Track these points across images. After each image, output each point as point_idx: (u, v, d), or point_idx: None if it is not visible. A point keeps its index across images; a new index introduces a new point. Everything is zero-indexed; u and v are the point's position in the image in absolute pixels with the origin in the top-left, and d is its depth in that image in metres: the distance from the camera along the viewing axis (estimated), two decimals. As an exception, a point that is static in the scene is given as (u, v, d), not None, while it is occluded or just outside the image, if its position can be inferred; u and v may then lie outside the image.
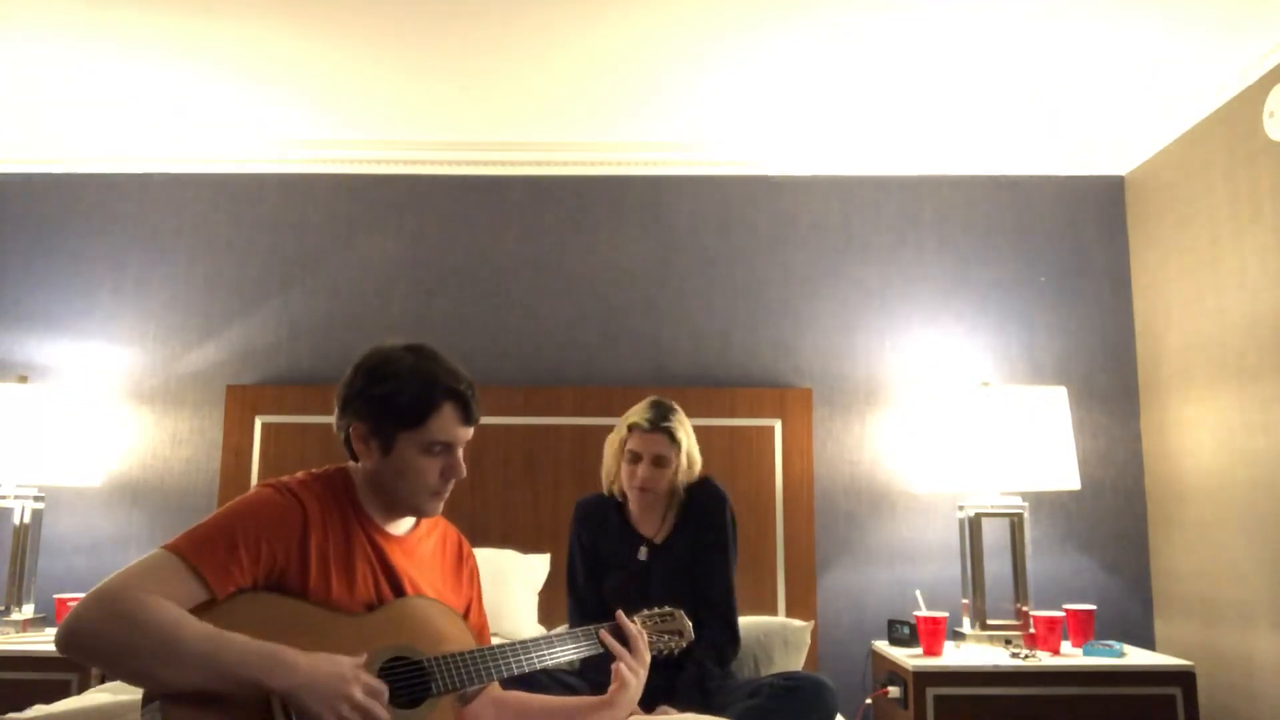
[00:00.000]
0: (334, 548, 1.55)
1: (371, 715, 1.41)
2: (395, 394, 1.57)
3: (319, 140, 3.47)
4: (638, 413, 2.43)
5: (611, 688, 1.71)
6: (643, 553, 2.46)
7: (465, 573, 1.78)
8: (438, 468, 1.60)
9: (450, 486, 1.64)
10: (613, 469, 2.50)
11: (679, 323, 3.46)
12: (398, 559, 1.63)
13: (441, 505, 1.65)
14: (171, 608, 1.36)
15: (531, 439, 3.30)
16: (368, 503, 1.63)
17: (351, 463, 1.66)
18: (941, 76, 2.96)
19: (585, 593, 2.48)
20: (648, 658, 1.76)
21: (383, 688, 1.45)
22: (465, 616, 1.73)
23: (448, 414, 1.59)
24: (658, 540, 2.47)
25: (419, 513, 1.65)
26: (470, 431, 1.64)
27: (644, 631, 1.80)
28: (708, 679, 2.30)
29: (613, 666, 1.72)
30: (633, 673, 1.71)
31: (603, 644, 1.74)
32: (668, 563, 2.44)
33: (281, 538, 1.50)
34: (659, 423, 2.39)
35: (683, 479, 2.44)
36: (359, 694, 1.40)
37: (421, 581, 1.65)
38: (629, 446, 2.42)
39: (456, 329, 3.44)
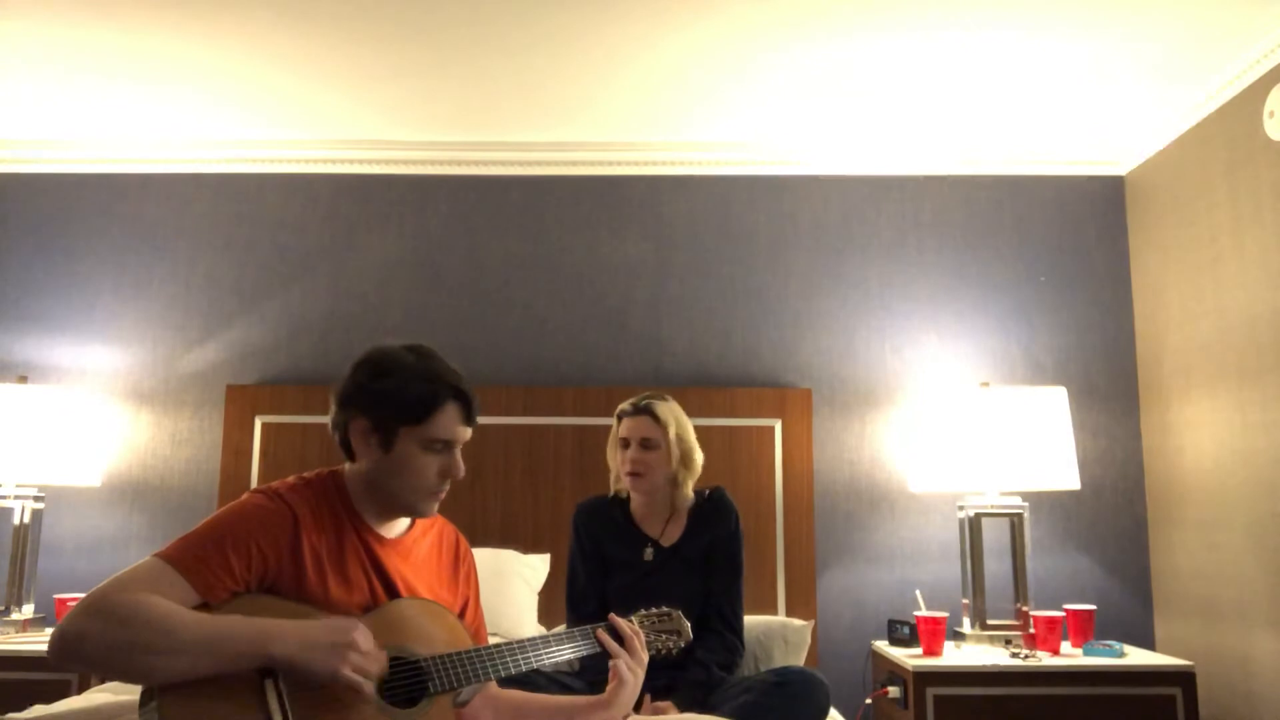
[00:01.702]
0: (327, 551, 1.55)
1: (368, 669, 1.43)
2: (400, 389, 1.57)
3: (319, 140, 3.48)
4: (625, 402, 2.49)
5: (609, 687, 1.71)
6: (649, 553, 2.46)
7: (462, 571, 1.78)
8: (436, 466, 1.60)
9: (447, 487, 1.64)
10: (611, 459, 2.52)
11: (679, 323, 3.46)
12: (392, 562, 1.62)
13: (437, 506, 1.65)
14: (160, 600, 1.37)
15: (531, 439, 3.30)
16: (361, 505, 1.63)
17: (345, 465, 1.66)
18: (941, 77, 2.96)
19: (584, 595, 2.48)
20: (645, 657, 1.76)
21: (380, 654, 1.47)
22: (462, 615, 1.73)
23: (450, 411, 1.60)
24: (665, 543, 2.47)
25: (414, 512, 1.65)
26: (469, 432, 1.64)
27: (641, 631, 1.80)
28: (712, 681, 2.30)
29: (610, 665, 1.73)
30: (631, 671, 1.71)
31: (599, 643, 1.74)
32: (676, 566, 2.44)
33: (273, 542, 1.50)
34: (638, 403, 2.45)
35: (680, 471, 2.45)
36: (361, 646, 1.42)
37: (417, 583, 1.65)
38: (619, 435, 2.46)
39: (456, 329, 3.44)
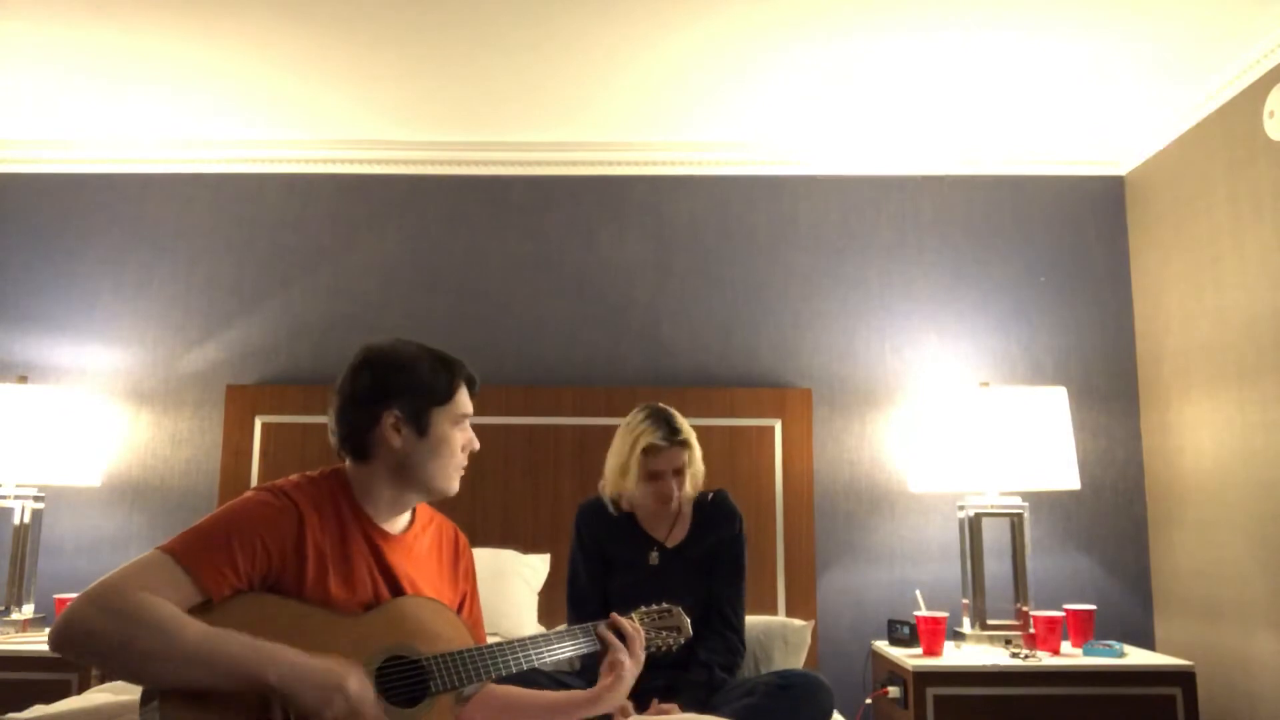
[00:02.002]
0: (331, 548, 1.55)
1: (364, 708, 1.42)
2: (427, 375, 1.65)
3: (319, 140, 3.48)
4: (648, 433, 2.37)
5: (603, 682, 1.71)
6: (654, 556, 2.46)
7: (461, 567, 1.79)
8: (461, 441, 1.69)
9: (466, 461, 1.72)
10: (618, 484, 2.44)
11: (679, 323, 3.46)
12: (396, 559, 1.63)
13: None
14: (167, 605, 1.37)
15: (531, 439, 3.30)
16: (366, 501, 1.63)
17: (347, 463, 1.66)
18: (941, 77, 2.96)
19: (586, 595, 2.47)
20: (643, 655, 1.76)
21: (372, 692, 1.45)
22: (460, 610, 1.73)
23: (464, 386, 1.71)
24: (669, 544, 2.47)
25: (444, 492, 1.68)
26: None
27: (641, 629, 1.80)
28: (714, 682, 2.30)
29: (606, 661, 1.72)
30: (627, 668, 1.72)
31: (600, 640, 1.74)
32: (680, 568, 2.44)
33: (276, 539, 1.50)
34: (673, 438, 2.37)
35: (695, 480, 2.45)
36: (353, 685, 1.41)
37: (419, 580, 1.65)
38: (651, 468, 2.37)
39: (456, 329, 3.44)
